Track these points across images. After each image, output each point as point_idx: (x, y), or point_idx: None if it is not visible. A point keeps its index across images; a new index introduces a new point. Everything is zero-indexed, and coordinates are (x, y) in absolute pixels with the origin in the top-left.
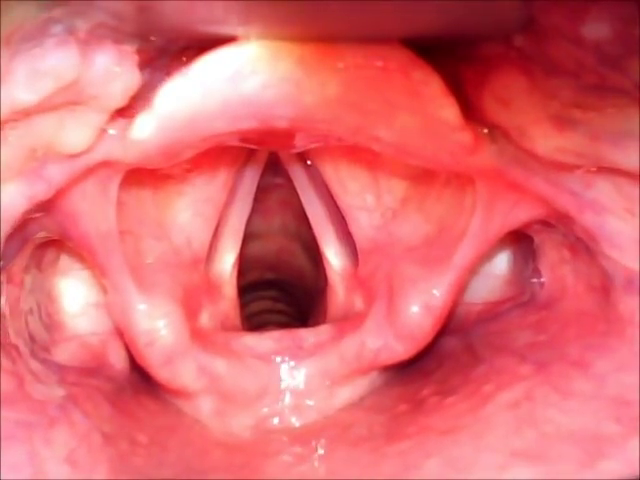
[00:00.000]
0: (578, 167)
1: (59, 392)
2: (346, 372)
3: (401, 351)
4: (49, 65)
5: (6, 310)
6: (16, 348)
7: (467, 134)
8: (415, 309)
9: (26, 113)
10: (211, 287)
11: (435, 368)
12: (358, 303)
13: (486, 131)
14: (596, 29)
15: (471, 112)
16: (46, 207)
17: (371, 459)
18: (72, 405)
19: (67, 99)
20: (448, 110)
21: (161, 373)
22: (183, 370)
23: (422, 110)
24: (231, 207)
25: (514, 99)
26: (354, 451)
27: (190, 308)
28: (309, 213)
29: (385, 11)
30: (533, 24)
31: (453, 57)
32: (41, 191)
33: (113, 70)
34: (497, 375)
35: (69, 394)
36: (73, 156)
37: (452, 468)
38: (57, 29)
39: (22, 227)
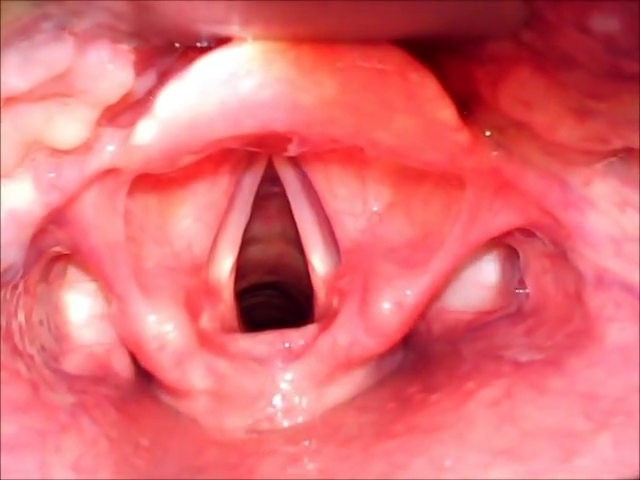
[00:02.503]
0: (600, 159)
1: (69, 399)
2: (327, 370)
3: (372, 346)
4: (42, 54)
5: (22, 320)
6: (31, 357)
7: (465, 134)
8: (386, 305)
9: (14, 99)
10: (210, 290)
11: (422, 368)
12: (335, 301)
13: (488, 133)
14: (605, 23)
15: (480, 111)
16: (59, 220)
17: (360, 459)
18: (81, 412)
19: (57, 90)
20: (445, 111)
21: (171, 375)
22: (193, 371)
23: (419, 111)
24: (230, 214)
25: (533, 97)
26: (344, 450)
27: (192, 311)
28: (298, 219)
29: (383, 12)
30: (540, 20)
31: (461, 57)
32: (55, 199)
33: (106, 66)
34: (479, 373)
35: (78, 401)
36: (81, 161)
37: (437, 468)
38: (49, 25)
39: (39, 239)
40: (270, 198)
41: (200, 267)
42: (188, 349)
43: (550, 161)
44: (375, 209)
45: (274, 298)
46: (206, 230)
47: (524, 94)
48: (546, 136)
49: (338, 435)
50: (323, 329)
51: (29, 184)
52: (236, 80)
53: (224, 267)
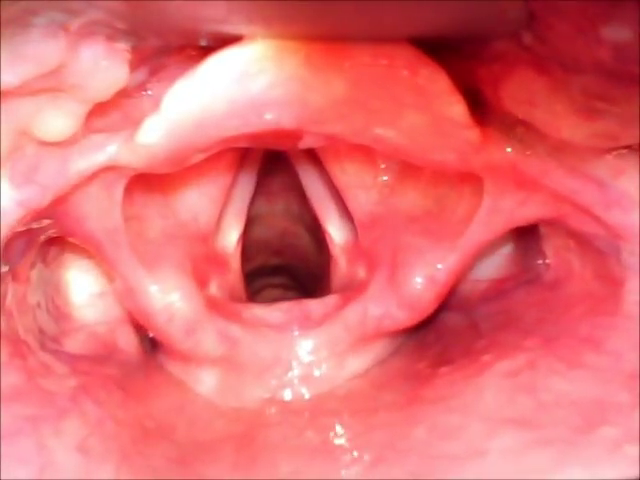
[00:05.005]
0: (609, 151)
1: (70, 383)
2: (351, 340)
3: (403, 319)
4: (33, 50)
5: (13, 308)
6: (26, 344)
7: (475, 131)
8: (419, 280)
9: (6, 95)
10: (218, 260)
11: (435, 341)
12: (361, 272)
13: (501, 127)
14: (616, 32)
15: (487, 109)
16: (50, 214)
17: (362, 429)
18: (83, 395)
19: (49, 85)
20: (455, 107)
21: (184, 345)
22: (204, 338)
23: (429, 108)
24: (235, 188)
25: (536, 98)
26: (348, 422)
27: (200, 278)
28: (309, 192)
29: (390, 10)
30: (544, 25)
31: (464, 56)
32: (34, 196)
33: (100, 63)
34: (498, 347)
35: (80, 384)
36: (66, 159)
37: (438, 435)
38: (42, 21)
39: (28, 232)
40: (274, 174)
41: (206, 236)
42: (197, 316)
43: (572, 155)
44: (385, 182)
45: (287, 290)
46: (211, 204)
47: (526, 93)
48: (551, 134)
49: (344, 407)
50: (347, 299)
51: (7, 184)
52: (247, 78)
53: (230, 240)
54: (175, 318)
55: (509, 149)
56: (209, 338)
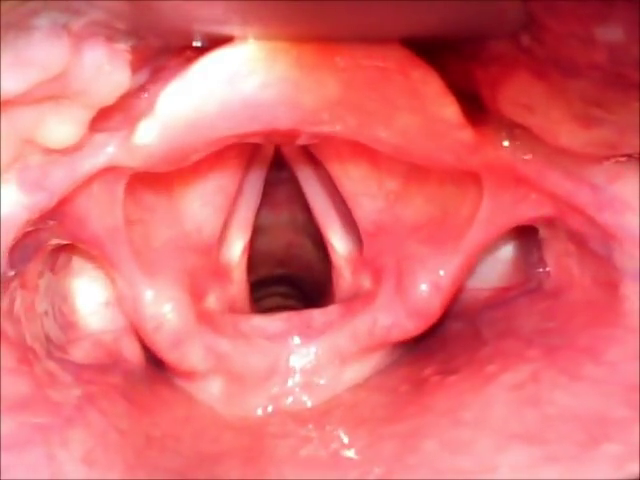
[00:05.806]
0: (608, 158)
1: (75, 392)
2: (357, 349)
3: (411, 328)
4: (38, 53)
5: (21, 314)
6: (33, 351)
7: (468, 132)
8: (424, 287)
9: (10, 103)
10: (220, 271)
11: (438, 349)
12: (366, 283)
13: (499, 128)
14: (609, 33)
15: (485, 109)
16: (55, 215)
17: (371, 441)
18: (88, 405)
19: (52, 92)
20: (448, 109)
21: (170, 356)
22: (190, 351)
23: (422, 109)
24: (240, 197)
25: (533, 102)
26: (356, 433)
27: (197, 290)
28: (312, 202)
29: (384, 11)
30: (539, 28)
31: (463, 57)
32: (42, 200)
33: (103, 67)
34: (502, 357)
35: (85, 393)
36: (73, 163)
37: (449, 450)
38: (44, 23)
39: (35, 235)
40: (278, 184)
41: (210, 249)
42: (186, 330)
43: (568, 160)
44: (391, 188)
45: (288, 299)
46: (216, 214)
47: (524, 98)
48: (549, 140)
49: (350, 417)
50: (352, 309)
51: (15, 190)
52: (238, 79)
53: (235, 250)
54: (164, 328)
55: (506, 148)
56: (195, 352)
